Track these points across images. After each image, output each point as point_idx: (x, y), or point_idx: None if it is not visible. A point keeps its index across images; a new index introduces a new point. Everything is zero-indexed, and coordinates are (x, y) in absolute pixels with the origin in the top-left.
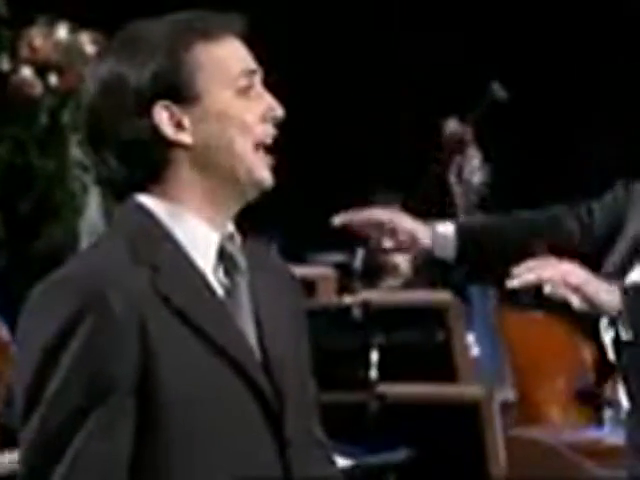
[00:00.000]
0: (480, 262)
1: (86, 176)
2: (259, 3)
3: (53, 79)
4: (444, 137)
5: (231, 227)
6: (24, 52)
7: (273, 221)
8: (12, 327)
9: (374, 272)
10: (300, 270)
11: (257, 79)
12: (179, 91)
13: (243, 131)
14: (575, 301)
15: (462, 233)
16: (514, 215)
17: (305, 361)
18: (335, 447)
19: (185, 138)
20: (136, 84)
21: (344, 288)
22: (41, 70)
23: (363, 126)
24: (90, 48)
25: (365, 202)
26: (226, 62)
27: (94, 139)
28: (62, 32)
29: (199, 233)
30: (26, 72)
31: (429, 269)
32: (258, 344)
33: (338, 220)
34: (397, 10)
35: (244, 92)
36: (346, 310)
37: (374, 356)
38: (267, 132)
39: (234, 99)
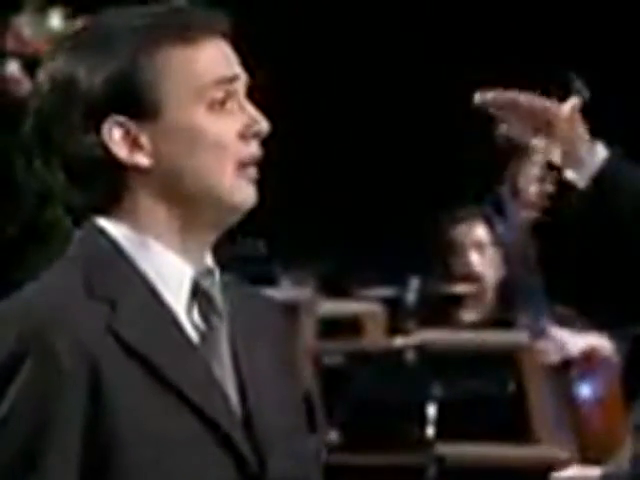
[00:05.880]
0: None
1: None
2: None
3: None
4: (497, 139)
5: (209, 260)
6: (10, 43)
7: (315, 251)
8: None
9: (432, 307)
10: (344, 306)
11: (238, 88)
12: (136, 103)
13: (217, 152)
14: None
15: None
16: None
17: (297, 412)
18: None
19: (142, 160)
20: (86, 91)
21: (395, 328)
22: (30, 65)
23: (414, 147)
24: None
25: (416, 225)
26: (197, 70)
27: (41, 147)
28: (55, 20)
29: (169, 266)
30: (12, 67)
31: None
32: (238, 395)
33: (478, 98)
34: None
35: (219, 105)
36: (397, 354)
37: (431, 410)
38: (249, 152)
39: (204, 114)
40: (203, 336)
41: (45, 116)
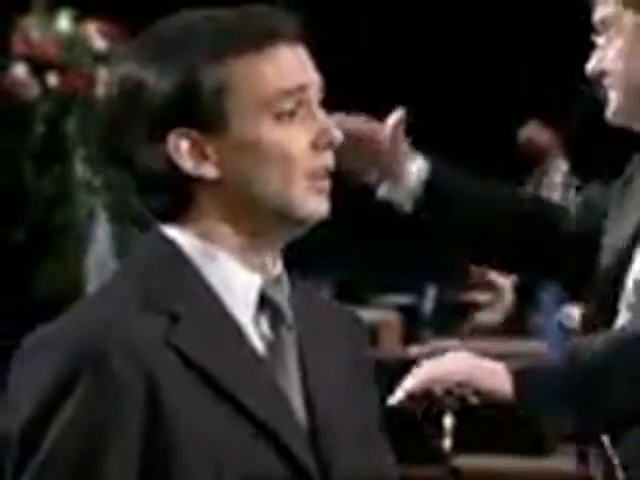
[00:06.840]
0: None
1: (94, 199)
2: None
3: (52, 79)
4: (520, 145)
5: (279, 268)
6: (17, 45)
7: (330, 256)
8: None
9: (448, 315)
10: (359, 314)
11: (310, 95)
12: (202, 115)
13: (285, 164)
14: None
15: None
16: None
17: (369, 413)
18: None
19: (209, 172)
20: (153, 98)
21: (410, 336)
22: (38, 68)
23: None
24: (98, 42)
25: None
26: (264, 80)
27: (110, 151)
28: (63, 22)
29: (235, 276)
30: (20, 70)
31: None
32: (305, 407)
33: None
34: None
35: (288, 115)
36: (412, 363)
37: (447, 422)
38: (321, 162)
39: (272, 125)
40: (270, 346)
41: (112, 121)
